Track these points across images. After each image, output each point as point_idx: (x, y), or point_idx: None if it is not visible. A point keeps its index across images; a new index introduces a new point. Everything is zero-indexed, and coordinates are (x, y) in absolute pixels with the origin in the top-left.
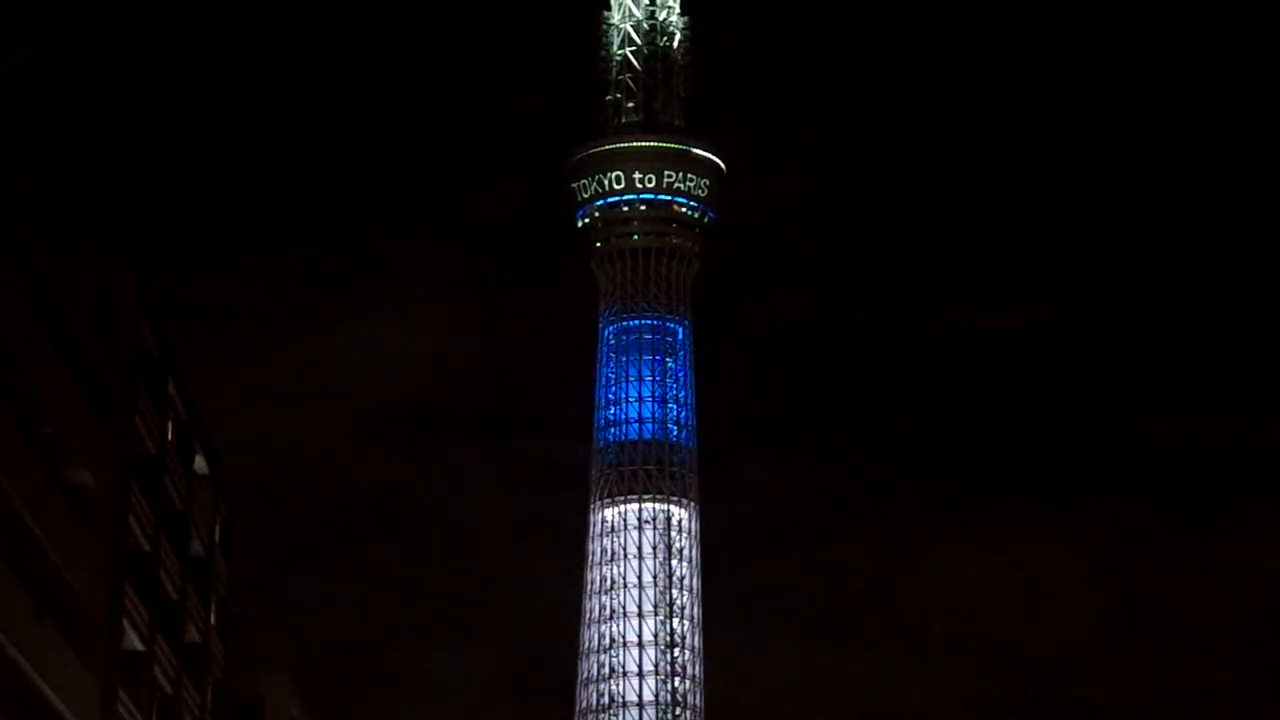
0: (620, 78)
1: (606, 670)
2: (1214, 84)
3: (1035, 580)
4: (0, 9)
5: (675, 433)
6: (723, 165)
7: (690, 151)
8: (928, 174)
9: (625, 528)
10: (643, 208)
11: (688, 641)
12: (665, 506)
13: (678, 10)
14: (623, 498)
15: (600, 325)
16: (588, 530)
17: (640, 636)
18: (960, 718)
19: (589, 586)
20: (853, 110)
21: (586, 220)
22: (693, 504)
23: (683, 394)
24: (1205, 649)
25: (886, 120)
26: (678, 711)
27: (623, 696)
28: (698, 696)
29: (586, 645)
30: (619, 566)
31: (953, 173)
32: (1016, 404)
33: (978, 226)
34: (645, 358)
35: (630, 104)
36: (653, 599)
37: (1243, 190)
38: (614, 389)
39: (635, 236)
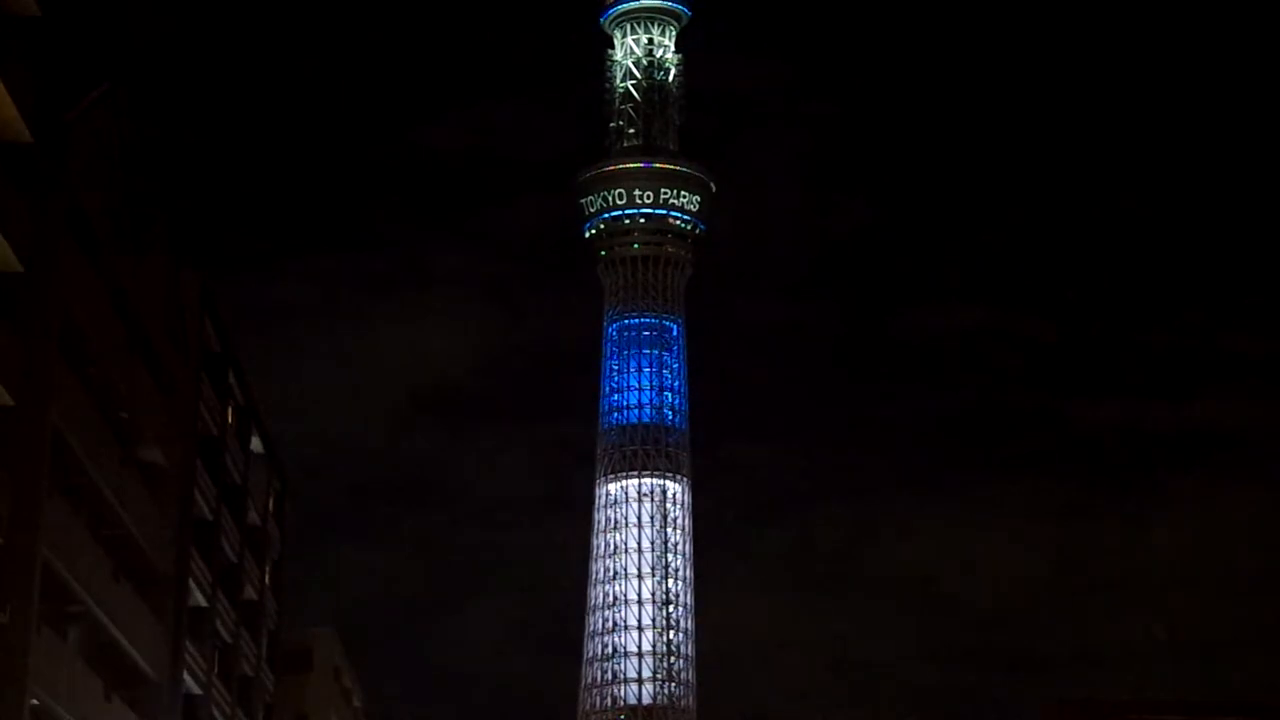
0: (622, 107)
1: (610, 624)
2: (1146, 107)
3: (983, 546)
4: (83, 45)
5: (670, 417)
6: (712, 184)
7: (683, 171)
8: (892, 194)
9: (627, 500)
10: (642, 220)
11: (681, 599)
12: (662, 481)
13: (672, 48)
14: (624, 473)
15: (605, 323)
16: (594, 501)
17: (640, 595)
18: (917, 663)
19: (595, 551)
20: (828, 135)
21: (593, 232)
22: (686, 479)
23: (677, 383)
24: (1130, 605)
25: (859, 144)
26: (672, 660)
27: (624, 647)
28: (689, 647)
29: (593, 602)
30: (621, 534)
31: (914, 193)
32: (967, 393)
33: (935, 240)
34: (644, 352)
35: (631, 130)
36: (650, 562)
37: (1170, 204)
38: (617, 379)
39: (635, 246)
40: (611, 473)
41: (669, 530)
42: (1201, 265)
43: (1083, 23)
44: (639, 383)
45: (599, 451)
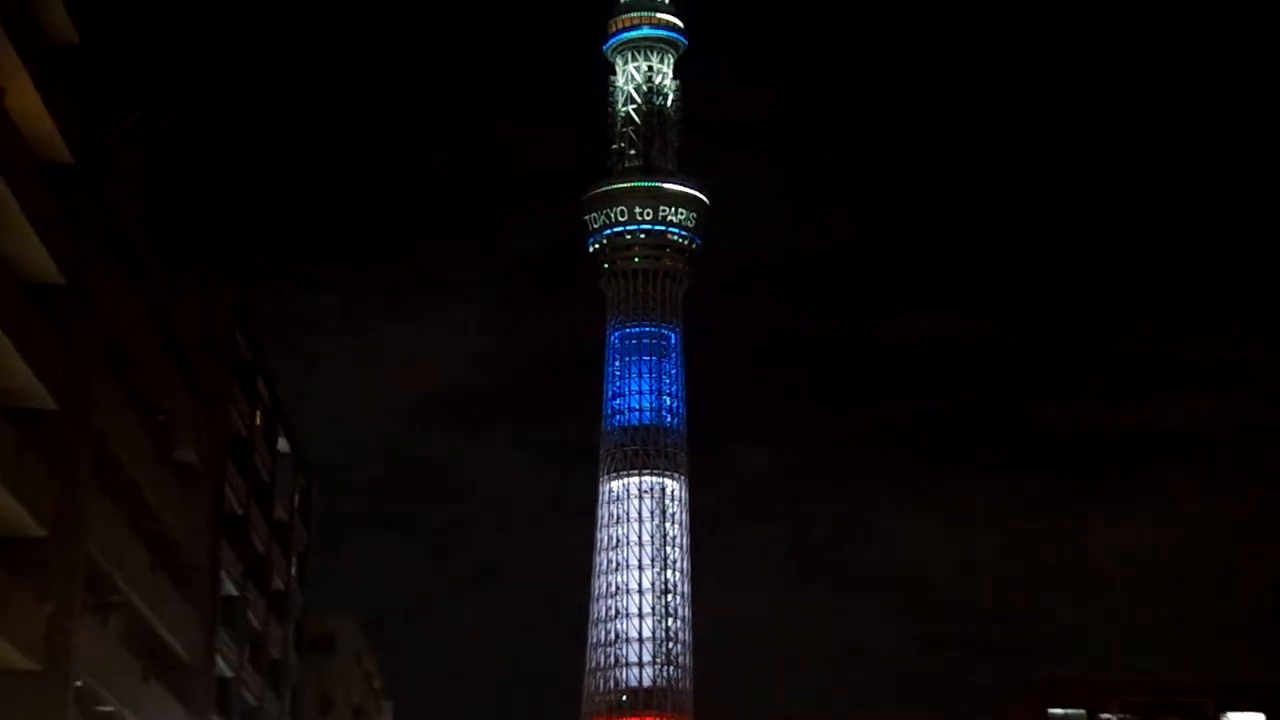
0: (624, 129)
1: (613, 612)
2: (1106, 138)
3: (961, 540)
4: (120, 71)
5: (669, 419)
6: (707, 201)
7: (680, 190)
8: (877, 209)
9: (628, 496)
10: (642, 236)
11: (679, 589)
12: (660, 479)
13: (670, 75)
14: (626, 472)
15: (608, 331)
16: (598, 498)
17: (640, 585)
18: (901, 650)
19: (599, 544)
20: (817, 155)
21: (596, 246)
22: (683, 477)
23: (674, 388)
24: (1099, 595)
25: (846, 163)
26: (671, 645)
27: (626, 633)
28: (687, 633)
29: (597, 591)
30: (623, 528)
31: (897, 209)
32: (946, 397)
33: (917, 253)
34: (644, 358)
35: (632, 151)
36: (650, 554)
37: (1132, 222)
38: (619, 383)
39: (636, 259)
40: (614, 471)
41: (667, 525)
42: (1161, 280)
43: (1047, 52)
44: (639, 387)
45: (602, 451)
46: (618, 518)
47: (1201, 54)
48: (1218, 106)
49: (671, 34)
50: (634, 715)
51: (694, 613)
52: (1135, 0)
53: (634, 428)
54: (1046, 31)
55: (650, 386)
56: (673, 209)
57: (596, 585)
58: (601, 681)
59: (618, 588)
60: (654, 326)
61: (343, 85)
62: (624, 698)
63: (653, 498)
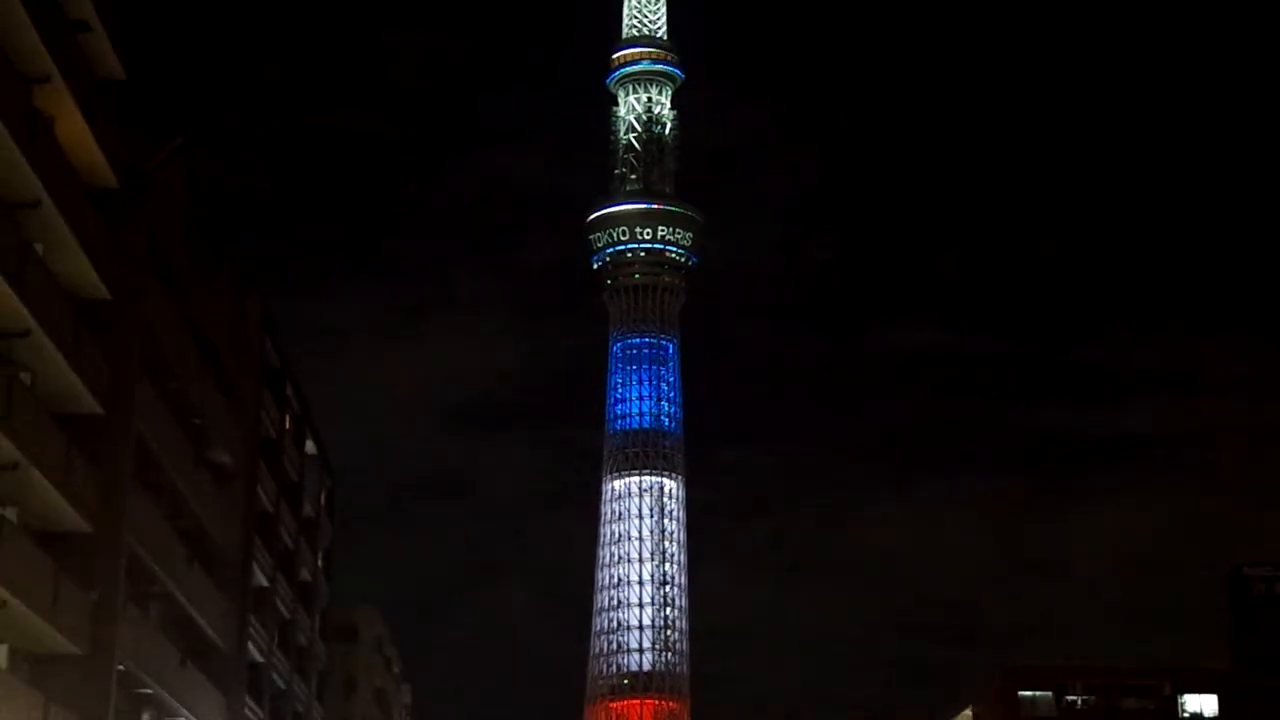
0: (625, 156)
1: (615, 602)
2: (1069, 163)
3: (936, 535)
4: (160, 103)
5: (667, 423)
6: (702, 221)
7: (677, 212)
8: (859, 229)
9: (629, 495)
10: (642, 254)
11: (676, 580)
12: (659, 479)
13: (668, 106)
14: (627, 472)
15: (610, 342)
16: (601, 496)
17: (640, 577)
18: (882, 637)
19: (602, 539)
20: (804, 179)
21: (600, 264)
22: (680, 476)
23: (672, 394)
24: (1068, 587)
25: (831, 187)
26: (668, 633)
27: (627, 621)
28: (683, 621)
29: (600, 583)
30: (624, 524)
31: (878, 229)
32: (925, 402)
33: (896, 269)
34: (644, 367)
35: (633, 176)
36: (649, 548)
37: (1099, 237)
38: (621, 390)
39: (636, 276)
40: (616, 471)
41: (666, 521)
42: (1124, 294)
43: (1011, 80)
44: (639, 394)
45: (605, 453)
46: (619, 514)
47: (1160, 78)
48: (1177, 136)
49: (669, 68)
50: (634, 697)
51: (690, 602)
52: (1100, 25)
53: (634, 431)
54: (1009, 58)
55: (650, 393)
56: (670, 229)
57: (600, 577)
58: (604, 666)
59: (619, 579)
60: (653, 338)
61: (368, 116)
62: (625, 680)
63: (652, 496)
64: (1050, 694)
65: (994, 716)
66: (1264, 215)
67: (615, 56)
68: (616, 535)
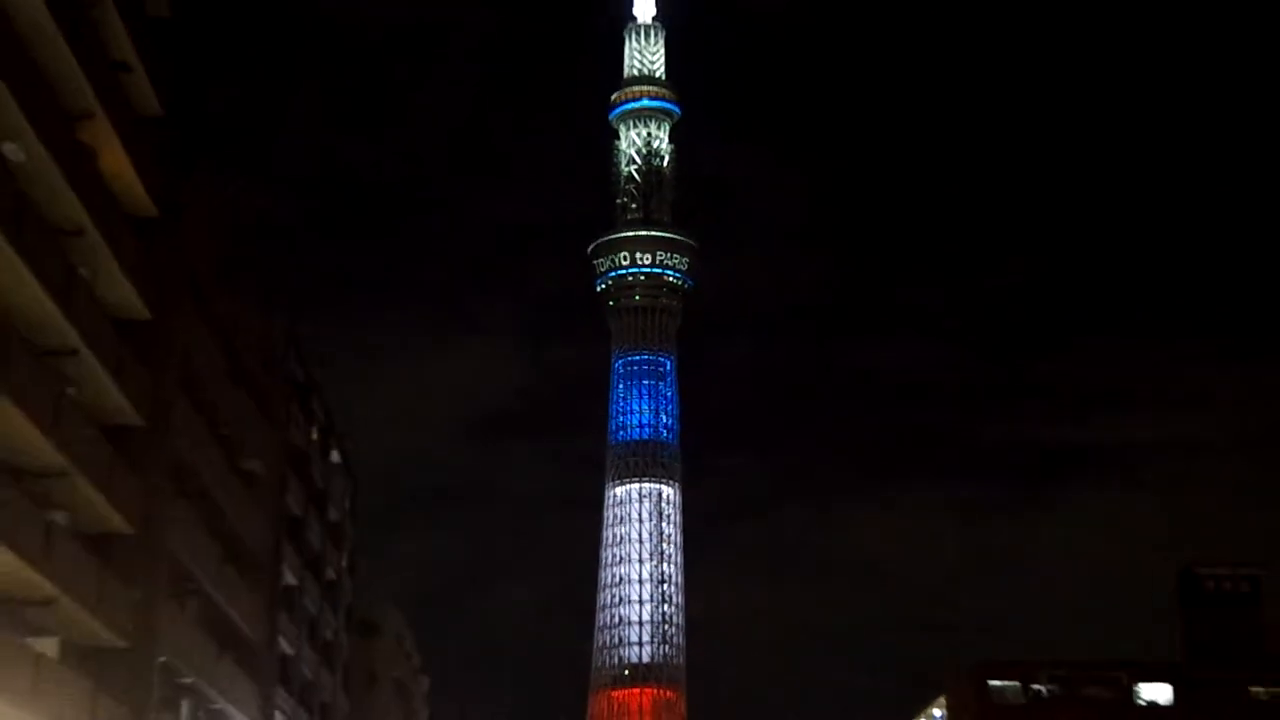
0: (626, 186)
1: (617, 599)
2: (1034, 186)
3: (917, 536)
4: (195, 140)
5: (665, 434)
6: (697, 247)
7: (675, 239)
8: (842, 256)
9: (630, 500)
10: (642, 278)
11: (673, 579)
12: (657, 485)
13: (666, 140)
14: (628, 479)
15: (613, 359)
16: (604, 501)
17: (640, 575)
18: (864, 631)
19: (605, 540)
20: (792, 208)
21: (604, 287)
22: (677, 483)
23: (670, 407)
24: (1034, 585)
25: (818, 216)
26: (666, 627)
27: (628, 617)
28: (680, 617)
29: (603, 581)
30: (625, 527)
31: (860, 255)
32: (904, 414)
33: (876, 293)
34: (644, 382)
35: (634, 205)
36: (648, 549)
37: (1063, 264)
38: (623, 403)
39: (637, 298)
40: (618, 478)
41: (664, 524)
42: (1082, 316)
43: (982, 116)
44: (639, 407)
45: (608, 461)
46: (621, 518)
47: (1117, 111)
48: (1129, 167)
49: (667, 105)
50: (634, 687)
51: (686, 599)
52: (1057, 63)
53: (635, 441)
54: (973, 96)
55: (649, 406)
56: (668, 254)
57: (603, 576)
58: (607, 658)
59: (621, 578)
60: (652, 355)
61: (393, 151)
62: (626, 671)
63: (651, 501)
64: (1018, 684)
65: (966, 705)
66: (1208, 243)
67: (616, 94)
68: (618, 537)
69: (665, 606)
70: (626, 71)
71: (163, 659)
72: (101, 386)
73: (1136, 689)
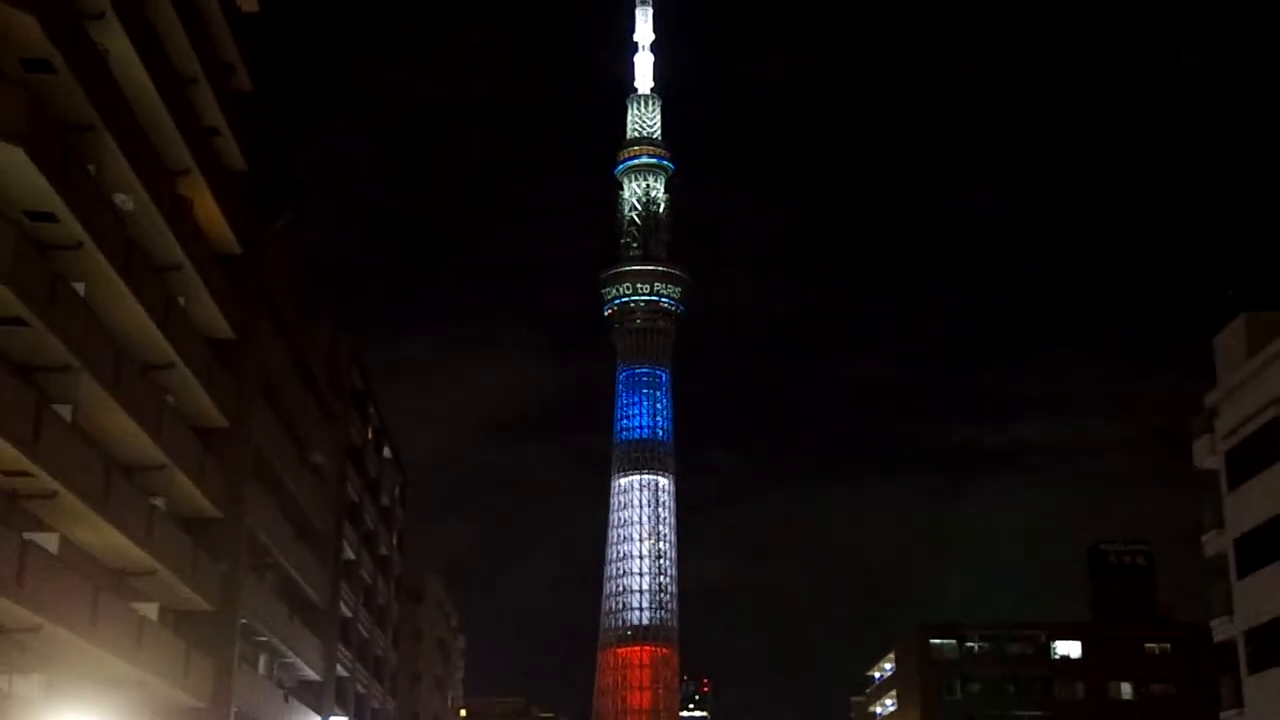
0: (629, 229)
1: (621, 572)
2: (977, 204)
3: (875, 521)
4: (273, 190)
5: (661, 434)
6: (689, 279)
7: (669, 272)
8: (811, 288)
9: (632, 489)
10: (642, 304)
11: (668, 555)
12: (655, 477)
13: (662, 190)
14: (630, 472)
15: (617, 372)
16: (610, 490)
17: (640, 553)
18: (829, 600)
19: (611, 523)
20: (771, 247)
21: (609, 312)
22: (671, 475)
23: (665, 411)
24: (970, 560)
25: (788, 254)
26: (662, 595)
27: (630, 587)
28: (673, 587)
29: (609, 557)
30: (628, 512)
31: (825, 288)
32: (864, 419)
33: (842, 317)
34: (643, 391)
35: (635, 244)
36: (647, 530)
37: (997, 289)
38: (626, 408)
39: (638, 321)
40: (622, 471)
41: (660, 509)
42: (1011, 333)
43: (920, 162)
44: (640, 411)
45: (613, 457)
46: (624, 505)
47: (1059, 140)
48: (1072, 176)
49: (663, 160)
50: (636, 644)
51: (679, 573)
52: (1013, 97)
53: (636, 440)
54: (905, 137)
55: (648, 410)
56: (664, 285)
57: (609, 553)
58: (613, 621)
59: (624, 554)
60: (650, 368)
61: (433, 196)
62: (629, 632)
63: (649, 490)
64: (954, 642)
65: (911, 660)
66: (1124, 269)
67: (620, 151)
68: (622, 520)
69: (661, 578)
70: (629, 133)
71: (243, 620)
72: (194, 394)
73: (1053, 645)
